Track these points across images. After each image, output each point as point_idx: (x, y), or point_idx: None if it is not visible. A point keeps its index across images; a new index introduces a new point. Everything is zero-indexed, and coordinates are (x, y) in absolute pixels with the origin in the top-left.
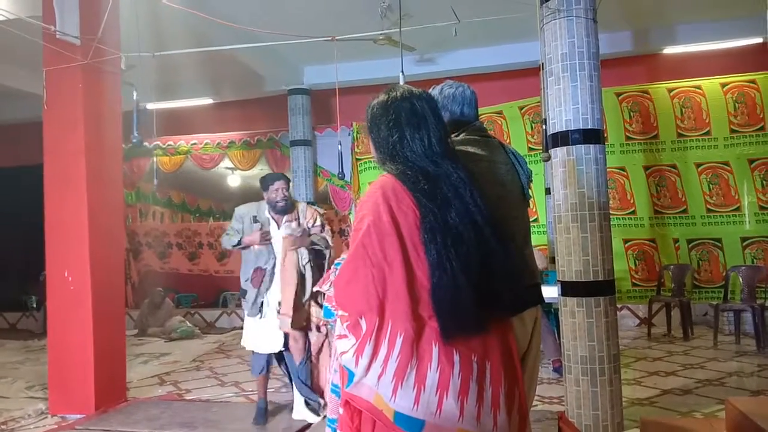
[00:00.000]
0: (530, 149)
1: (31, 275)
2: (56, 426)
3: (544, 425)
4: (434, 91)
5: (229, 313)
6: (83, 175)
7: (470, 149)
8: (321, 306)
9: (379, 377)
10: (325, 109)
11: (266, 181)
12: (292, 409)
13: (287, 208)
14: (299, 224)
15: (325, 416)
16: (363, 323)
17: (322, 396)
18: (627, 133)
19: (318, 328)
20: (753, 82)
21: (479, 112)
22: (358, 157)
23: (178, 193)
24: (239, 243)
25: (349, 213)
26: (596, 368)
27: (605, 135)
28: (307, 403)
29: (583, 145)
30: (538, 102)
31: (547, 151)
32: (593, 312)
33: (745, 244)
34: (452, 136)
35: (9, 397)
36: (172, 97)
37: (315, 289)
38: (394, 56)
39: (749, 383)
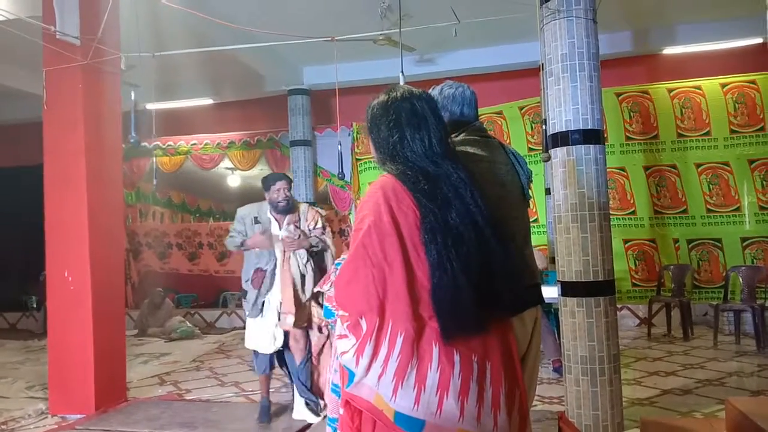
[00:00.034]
0: (530, 149)
1: (31, 275)
2: (56, 426)
3: (544, 425)
4: (434, 92)
5: (229, 313)
6: (83, 175)
7: (470, 149)
8: (322, 306)
9: (380, 377)
10: (325, 110)
11: (268, 182)
12: (292, 409)
13: (289, 208)
14: (297, 227)
15: (325, 416)
16: (363, 323)
17: (321, 397)
18: (627, 134)
19: (320, 329)
20: (753, 82)
21: (479, 113)
22: (358, 157)
23: (178, 193)
24: (242, 245)
25: (349, 213)
26: (596, 368)
27: (605, 135)
28: (306, 404)
29: (583, 146)
30: (538, 102)
31: (547, 151)
32: (593, 312)
33: (745, 244)
34: (452, 136)
35: (9, 397)
36: (172, 97)
37: (316, 290)
38: (393, 56)
39: (749, 383)
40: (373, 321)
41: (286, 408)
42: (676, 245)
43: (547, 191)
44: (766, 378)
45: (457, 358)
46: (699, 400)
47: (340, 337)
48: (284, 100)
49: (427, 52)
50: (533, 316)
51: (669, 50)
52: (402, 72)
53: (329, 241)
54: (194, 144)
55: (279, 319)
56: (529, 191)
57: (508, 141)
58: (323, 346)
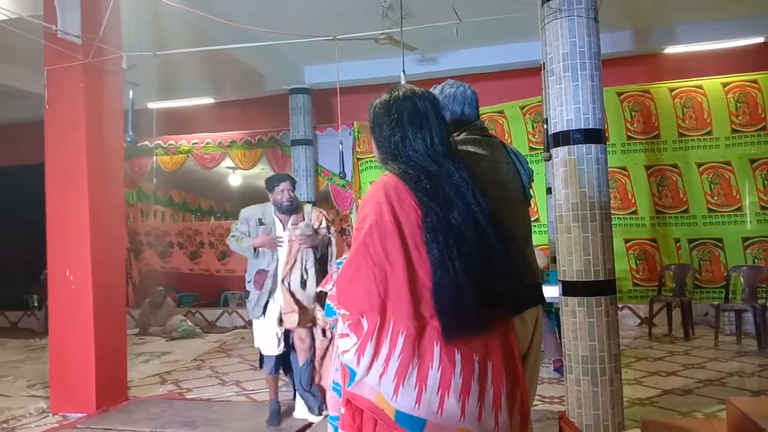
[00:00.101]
0: (531, 149)
1: (32, 274)
2: (57, 425)
3: (544, 425)
4: (435, 91)
5: (230, 312)
6: (84, 174)
7: (471, 149)
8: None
9: (381, 376)
10: (326, 109)
11: (272, 182)
12: (293, 408)
13: (293, 208)
14: (308, 224)
15: (326, 415)
16: (364, 322)
17: (323, 399)
18: (628, 133)
19: (323, 332)
20: (754, 81)
21: (480, 112)
22: (359, 156)
23: (180, 192)
24: (254, 250)
25: (350, 212)
26: (597, 368)
27: (606, 135)
28: (307, 404)
29: (584, 145)
30: (539, 101)
31: (548, 150)
32: (594, 312)
33: (746, 244)
34: (453, 135)
35: (10, 395)
36: (173, 96)
37: (318, 289)
38: (395, 56)
39: (750, 383)
40: (374, 320)
41: (287, 407)
42: (677, 245)
43: (549, 191)
44: (767, 378)
45: (458, 357)
46: (700, 400)
47: (342, 336)
48: (285, 99)
49: (428, 51)
50: (534, 316)
51: (670, 49)
52: (403, 71)
53: (334, 241)
54: (195, 143)
55: (282, 320)
56: (530, 190)
57: (509, 140)
58: (326, 349)
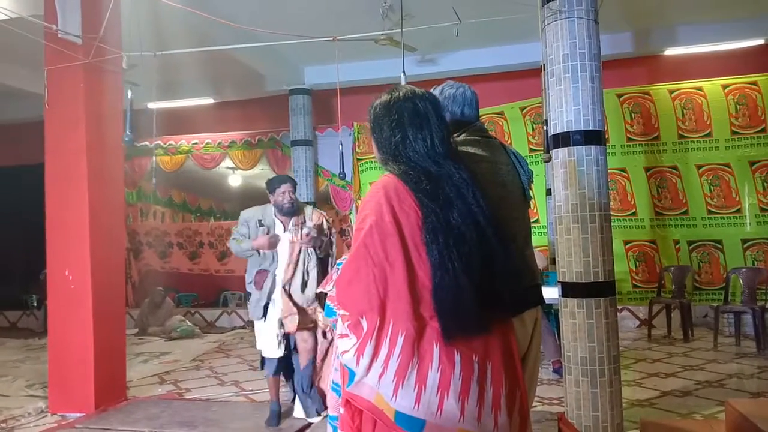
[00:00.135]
0: (531, 150)
1: (31, 274)
2: (56, 424)
3: (543, 426)
4: (435, 92)
5: (229, 312)
6: (84, 174)
7: (471, 150)
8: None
9: (380, 377)
10: (326, 109)
11: (273, 184)
12: (292, 408)
13: (294, 210)
14: (311, 225)
15: (326, 416)
16: (364, 323)
17: (323, 401)
18: (628, 135)
19: (324, 335)
20: (754, 83)
21: (480, 113)
22: (359, 157)
23: (179, 192)
24: (258, 252)
25: (350, 213)
26: (596, 369)
27: (606, 136)
28: (305, 405)
29: (584, 146)
30: (539, 103)
31: (548, 151)
32: (593, 313)
33: (745, 246)
34: (453, 136)
35: (9, 395)
36: (173, 96)
37: (318, 290)
38: (395, 56)
39: (749, 385)
40: (373, 320)
41: (286, 407)
42: (677, 246)
43: (548, 192)
44: (766, 380)
45: (457, 358)
46: (699, 402)
47: (341, 336)
48: (285, 100)
49: (428, 52)
50: (533, 317)
51: (670, 51)
52: (404, 72)
53: (334, 242)
54: (195, 143)
55: (282, 324)
56: (530, 192)
57: (509, 141)
58: (326, 351)
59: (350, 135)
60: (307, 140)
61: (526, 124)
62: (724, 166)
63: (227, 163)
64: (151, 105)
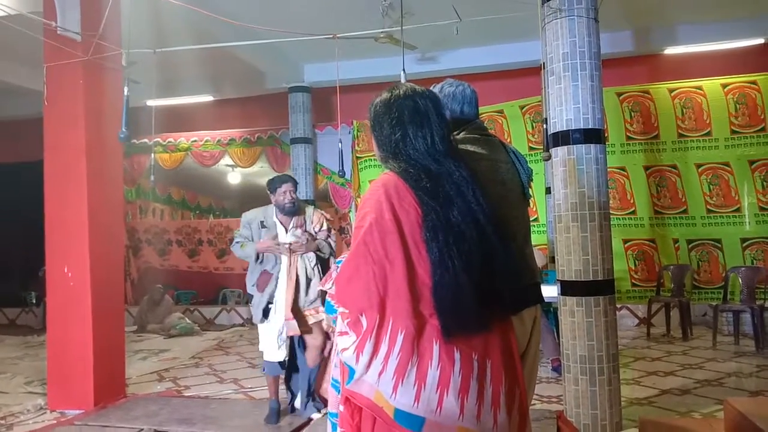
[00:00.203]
0: (531, 148)
1: (30, 271)
2: (55, 421)
3: (542, 424)
4: (434, 90)
5: (228, 310)
6: (83, 171)
7: (471, 148)
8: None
9: (380, 374)
10: (326, 107)
11: (274, 184)
12: (291, 406)
13: (295, 210)
14: (305, 230)
15: (325, 413)
16: (364, 320)
17: (325, 405)
18: (627, 133)
19: (327, 336)
20: (754, 83)
21: (480, 111)
22: (358, 155)
23: (178, 190)
24: (258, 257)
25: (349, 211)
26: (595, 368)
27: (606, 135)
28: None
29: (583, 145)
30: (539, 101)
31: (547, 150)
32: (592, 311)
33: (744, 245)
34: (453, 134)
35: (8, 392)
36: (173, 93)
37: (318, 288)
38: (395, 54)
39: (748, 384)
40: (373, 318)
41: (285, 405)
42: (676, 245)
43: (548, 190)
44: (765, 378)
45: (457, 355)
46: (697, 400)
47: (341, 333)
48: (285, 98)
49: (428, 50)
50: (532, 315)
51: (670, 50)
52: (404, 70)
53: (333, 243)
54: (194, 141)
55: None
56: (530, 190)
57: (508, 140)
58: (330, 351)
59: (350, 133)
60: (306, 138)
61: (525, 122)
62: (724, 165)
63: (226, 160)
64: (151, 102)
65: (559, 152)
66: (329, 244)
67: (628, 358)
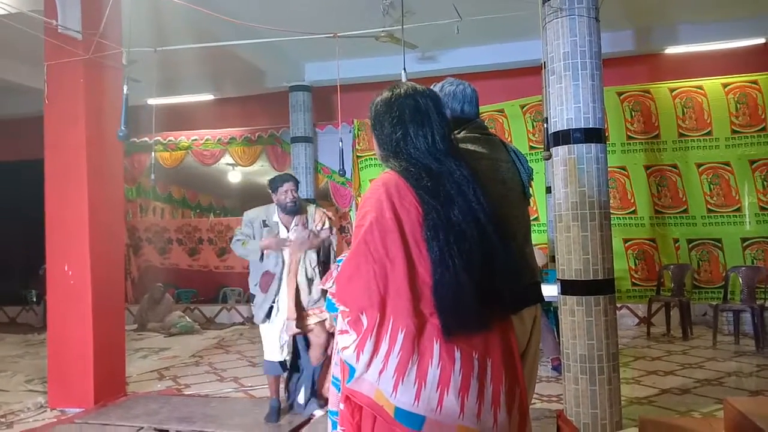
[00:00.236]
0: (531, 148)
1: (31, 269)
2: (55, 419)
3: (542, 423)
4: (435, 89)
5: (228, 308)
6: (84, 169)
7: (471, 147)
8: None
9: (380, 373)
10: (326, 106)
11: (275, 183)
12: (291, 404)
13: (296, 209)
14: (306, 227)
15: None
16: (364, 319)
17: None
18: (628, 133)
19: (331, 334)
20: (755, 82)
21: (480, 110)
22: (358, 154)
23: (179, 188)
24: (261, 255)
25: (350, 210)
26: (595, 367)
27: (606, 134)
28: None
29: (584, 144)
30: (539, 100)
31: (548, 149)
32: (593, 311)
33: (745, 244)
34: (453, 133)
35: (8, 390)
36: (173, 92)
37: (319, 286)
38: (395, 54)
39: (748, 383)
40: (373, 317)
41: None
42: (676, 245)
43: (548, 189)
44: (765, 378)
45: (458, 354)
46: (697, 400)
47: (341, 332)
48: (285, 97)
49: (429, 49)
50: (532, 314)
51: (671, 50)
52: (404, 69)
53: (335, 242)
54: (195, 140)
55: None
56: (530, 189)
57: (509, 139)
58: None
59: (350, 132)
60: (307, 137)
61: (526, 121)
62: (724, 165)
63: (227, 159)
64: (151, 101)
65: (560, 151)
66: (331, 243)
67: (628, 357)
